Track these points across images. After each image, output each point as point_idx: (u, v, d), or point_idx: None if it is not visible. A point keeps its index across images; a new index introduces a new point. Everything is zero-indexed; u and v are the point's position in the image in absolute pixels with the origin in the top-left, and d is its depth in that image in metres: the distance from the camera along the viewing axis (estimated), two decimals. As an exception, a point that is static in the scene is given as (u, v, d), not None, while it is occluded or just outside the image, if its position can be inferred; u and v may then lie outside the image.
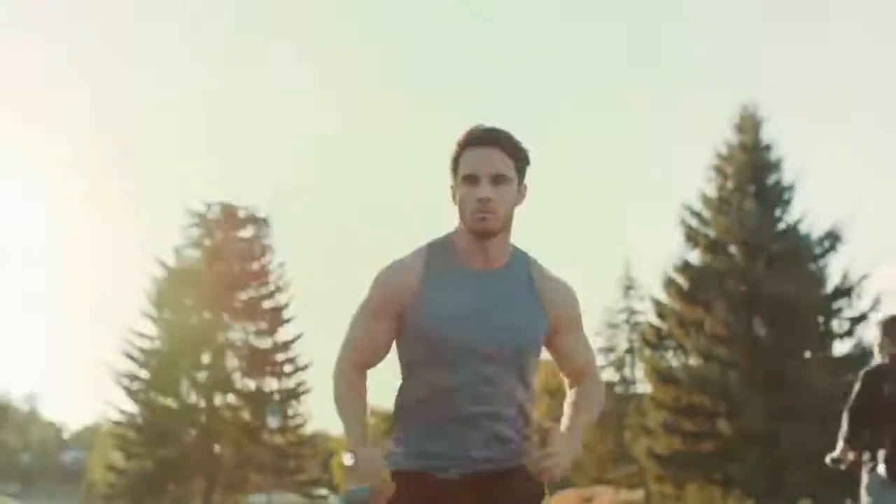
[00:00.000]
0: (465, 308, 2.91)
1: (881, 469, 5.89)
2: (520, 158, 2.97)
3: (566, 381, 3.16)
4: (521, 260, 3.02)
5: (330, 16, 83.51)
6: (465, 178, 2.93)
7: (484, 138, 2.94)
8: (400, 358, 3.04)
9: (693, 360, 29.84)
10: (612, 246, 65.99)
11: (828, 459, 6.30)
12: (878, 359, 6.21)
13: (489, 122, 3.00)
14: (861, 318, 29.07)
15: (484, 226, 2.90)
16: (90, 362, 67.82)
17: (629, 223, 65.67)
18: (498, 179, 2.91)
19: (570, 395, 3.13)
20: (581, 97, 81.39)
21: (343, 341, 3.06)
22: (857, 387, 6.10)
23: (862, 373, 6.18)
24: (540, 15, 79.01)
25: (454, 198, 2.99)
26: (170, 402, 36.65)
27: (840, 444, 6.11)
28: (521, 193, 2.99)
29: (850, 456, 6.04)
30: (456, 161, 2.98)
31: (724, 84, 63.37)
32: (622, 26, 77.13)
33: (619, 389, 39.81)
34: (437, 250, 3.00)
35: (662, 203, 63.96)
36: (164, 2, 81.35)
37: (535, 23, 79.35)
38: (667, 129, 68.83)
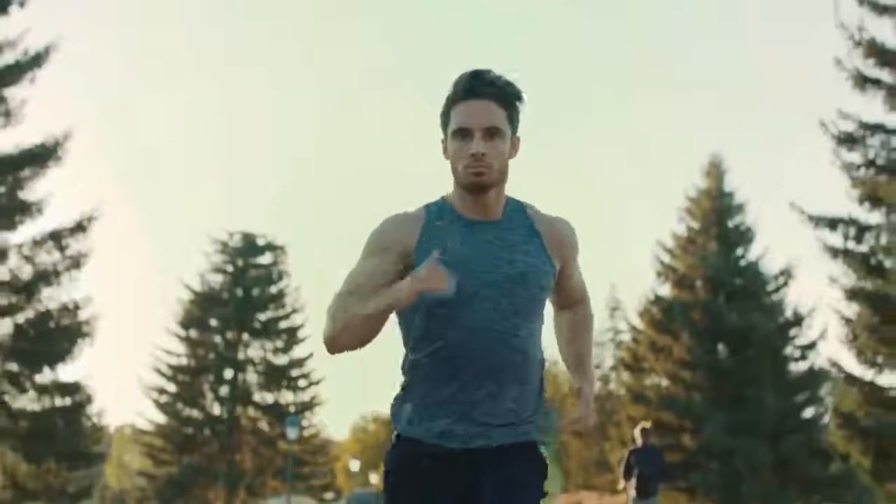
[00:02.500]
0: (468, 256, 2.94)
1: (632, 492, 11.75)
2: (513, 109, 2.98)
3: (554, 304, 3.28)
4: (517, 207, 3.07)
5: (362, 58, 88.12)
6: (456, 133, 2.94)
7: (476, 90, 2.95)
8: (405, 317, 3.02)
9: (662, 382, 35.40)
10: (599, 268, 71.53)
11: (620, 486, 12.23)
12: (638, 444, 12.27)
13: (478, 67, 2.98)
14: (811, 345, 34.54)
15: (479, 181, 2.93)
16: (115, 377, 73.23)
17: (615, 250, 71.65)
18: (491, 132, 2.93)
19: (565, 320, 3.29)
20: (581, 109, 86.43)
21: (337, 292, 2.98)
22: (627, 454, 12.06)
23: (627, 451, 12.32)
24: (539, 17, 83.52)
25: (445, 153, 3.01)
26: (195, 413, 41.92)
27: (622, 478, 12.00)
28: (514, 146, 3.01)
29: (624, 483, 11.98)
30: (446, 114, 2.99)
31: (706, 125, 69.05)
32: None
33: (606, 405, 45.31)
34: (435, 207, 3.04)
35: (646, 231, 69.56)
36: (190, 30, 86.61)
37: (534, 24, 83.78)
38: (659, 150, 74.31)
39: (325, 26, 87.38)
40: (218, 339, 42.29)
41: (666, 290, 36.04)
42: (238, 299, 42.35)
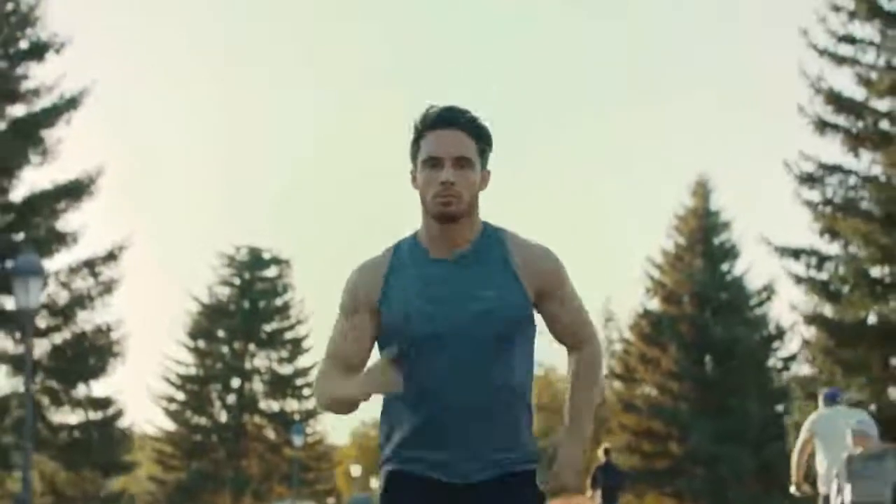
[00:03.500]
0: (431, 299, 2.95)
1: (599, 500, 14.38)
2: (483, 141, 3.00)
3: (564, 346, 3.16)
4: (493, 237, 3.04)
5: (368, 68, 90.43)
6: (426, 162, 2.96)
7: (446, 120, 2.97)
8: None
9: (651, 391, 38.00)
10: (594, 280, 73.85)
11: (588, 494, 14.84)
12: (602, 461, 15.02)
13: (448, 102, 3.02)
14: (793, 357, 37.12)
15: (447, 210, 2.93)
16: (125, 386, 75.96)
17: (612, 262, 74.41)
18: (461, 162, 2.94)
19: (569, 368, 3.15)
20: (576, 113, 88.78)
21: (324, 352, 3.09)
22: (594, 469, 14.68)
23: (595, 466, 14.92)
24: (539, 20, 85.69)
25: (414, 182, 3.04)
26: (203, 420, 44.35)
27: (590, 488, 14.63)
28: (484, 179, 3.03)
29: (591, 492, 14.60)
30: (416, 144, 3.01)
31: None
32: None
33: (600, 413, 47.95)
34: (404, 245, 3.06)
35: (643, 243, 72.17)
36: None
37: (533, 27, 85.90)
38: (657, 159, 76.88)
39: (326, 26, 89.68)
40: (225, 349, 44.75)
41: (655, 305, 38.64)
42: (244, 311, 44.83)
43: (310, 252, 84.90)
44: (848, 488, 8.71)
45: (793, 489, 9.73)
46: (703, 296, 37.34)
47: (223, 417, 44.41)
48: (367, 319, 3.02)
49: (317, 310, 51.11)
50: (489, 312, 2.94)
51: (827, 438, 9.19)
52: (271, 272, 45.97)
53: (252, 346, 45.05)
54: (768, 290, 37.75)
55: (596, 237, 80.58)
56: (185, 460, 43.87)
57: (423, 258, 3.02)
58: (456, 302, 2.95)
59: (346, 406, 2.99)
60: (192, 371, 44.58)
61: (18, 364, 23.28)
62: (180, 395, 44.34)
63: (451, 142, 2.95)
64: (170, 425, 44.25)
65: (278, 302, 45.67)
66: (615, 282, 70.86)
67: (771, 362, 37.84)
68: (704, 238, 38.13)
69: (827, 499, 9.20)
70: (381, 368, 2.87)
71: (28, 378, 16.16)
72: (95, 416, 24.54)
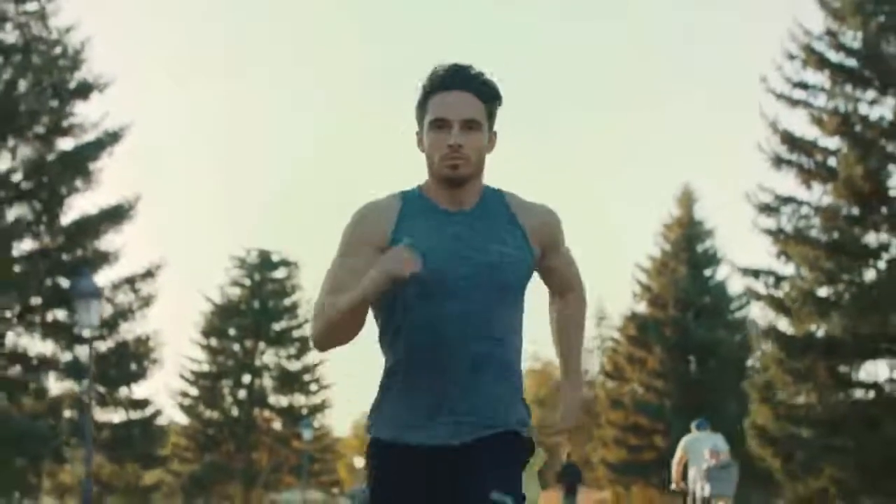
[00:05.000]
0: (443, 247, 3.01)
1: (562, 493, 18.63)
2: (491, 102, 3.06)
3: (549, 293, 3.35)
4: (495, 196, 3.14)
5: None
6: (433, 123, 3.01)
7: (454, 81, 3.03)
8: (380, 311, 3.11)
9: (638, 389, 41.99)
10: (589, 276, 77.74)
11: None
12: (565, 461, 19.70)
13: (456, 60, 3.06)
14: (770, 357, 41.09)
15: (455, 173, 3.00)
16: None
17: (603, 259, 78.41)
18: (469, 125, 2.99)
19: (555, 311, 3.35)
20: (579, 110, 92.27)
21: (320, 291, 3.10)
22: (560, 468, 18.93)
23: (561, 466, 19.28)
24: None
25: (420, 144, 3.09)
26: (215, 415, 47.73)
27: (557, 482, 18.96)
28: (491, 140, 3.09)
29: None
30: (422, 105, 3.07)
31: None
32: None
33: (592, 409, 51.90)
34: (410, 195, 3.12)
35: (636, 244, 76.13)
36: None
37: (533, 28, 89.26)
38: (650, 166, 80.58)
39: (327, 26, 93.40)
40: (236, 347, 48.08)
41: (643, 308, 42.59)
42: (255, 310, 48.24)
43: (317, 254, 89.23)
44: (707, 487, 13.76)
45: (673, 486, 14.61)
46: (686, 300, 41.26)
47: (234, 412, 47.71)
48: (374, 255, 3.03)
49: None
50: (499, 266, 3.03)
51: (695, 454, 14.01)
52: (280, 273, 49.42)
53: (262, 344, 48.31)
54: (748, 294, 41.64)
55: (593, 238, 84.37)
56: (199, 452, 47.19)
57: (432, 209, 3.08)
58: (465, 253, 3.02)
59: (352, 318, 3.00)
60: (206, 368, 47.80)
61: (67, 370, 27.28)
62: (194, 391, 47.74)
63: (460, 103, 3.00)
64: (184, 419, 47.87)
65: (287, 302, 49.05)
66: (610, 283, 74.88)
67: (749, 363, 41.73)
68: (689, 246, 42.04)
69: (694, 494, 14.13)
70: (400, 249, 2.91)
71: (90, 386, 19.78)
72: (136, 415, 28.62)
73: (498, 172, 3.30)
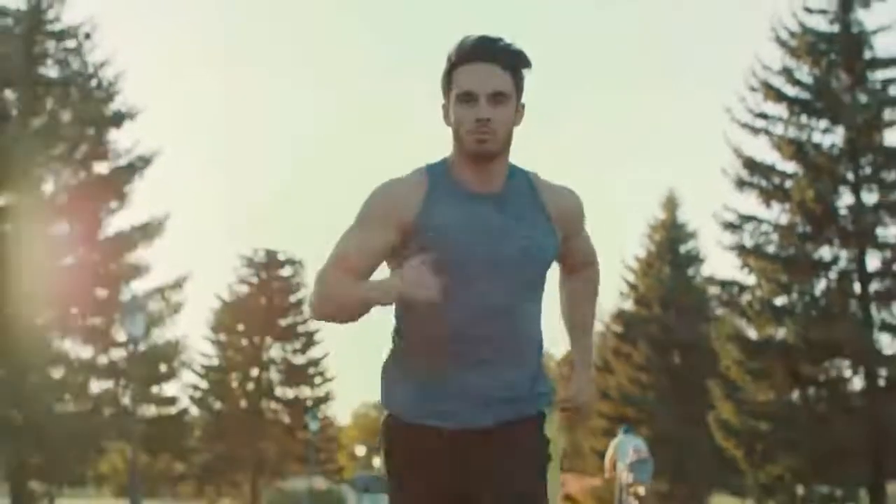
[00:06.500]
0: (471, 230, 3.06)
1: None
2: (519, 75, 3.09)
3: (561, 270, 3.43)
4: (521, 177, 3.18)
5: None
6: (460, 97, 3.04)
7: (482, 53, 3.04)
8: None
9: (624, 382, 46.24)
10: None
11: None
12: None
13: (483, 31, 3.05)
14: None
15: (483, 148, 3.03)
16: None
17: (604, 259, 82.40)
18: (497, 98, 3.03)
19: (568, 286, 3.45)
20: (579, 106, 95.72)
21: (329, 256, 3.11)
22: None
23: None
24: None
25: (446, 118, 3.12)
26: (224, 406, 51.66)
27: None
28: (519, 112, 3.12)
29: None
30: (448, 77, 3.09)
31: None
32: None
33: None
34: (437, 172, 3.14)
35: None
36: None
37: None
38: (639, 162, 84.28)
39: (327, 26, 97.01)
40: (244, 342, 51.72)
41: (629, 305, 46.82)
42: (262, 307, 52.00)
43: (321, 251, 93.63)
44: (631, 476, 18.49)
45: (606, 475, 19.63)
46: (669, 299, 45.42)
47: (243, 403, 51.24)
48: (389, 236, 3.07)
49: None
50: (523, 252, 3.09)
51: (622, 452, 18.87)
52: (286, 272, 53.01)
53: (268, 339, 51.80)
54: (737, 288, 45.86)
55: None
56: (209, 442, 50.34)
57: (458, 190, 3.10)
58: (491, 238, 3.06)
59: (357, 310, 3.07)
60: (215, 362, 51.59)
61: (102, 371, 31.51)
62: (204, 384, 51.16)
63: (487, 76, 3.02)
64: (194, 411, 51.48)
65: (292, 299, 52.49)
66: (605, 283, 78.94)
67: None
68: (672, 247, 46.23)
69: (621, 481, 18.79)
70: (419, 270, 2.96)
71: (134, 392, 23.90)
72: (167, 411, 32.94)
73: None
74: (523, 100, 3.16)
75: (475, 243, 3.08)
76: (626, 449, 18.82)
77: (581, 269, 3.44)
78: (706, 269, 45.83)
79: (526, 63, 3.11)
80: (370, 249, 3.09)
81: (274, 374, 52.36)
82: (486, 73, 3.03)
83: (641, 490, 18.64)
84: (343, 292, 3.06)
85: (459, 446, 3.12)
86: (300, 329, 52.86)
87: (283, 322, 52.69)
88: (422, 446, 3.16)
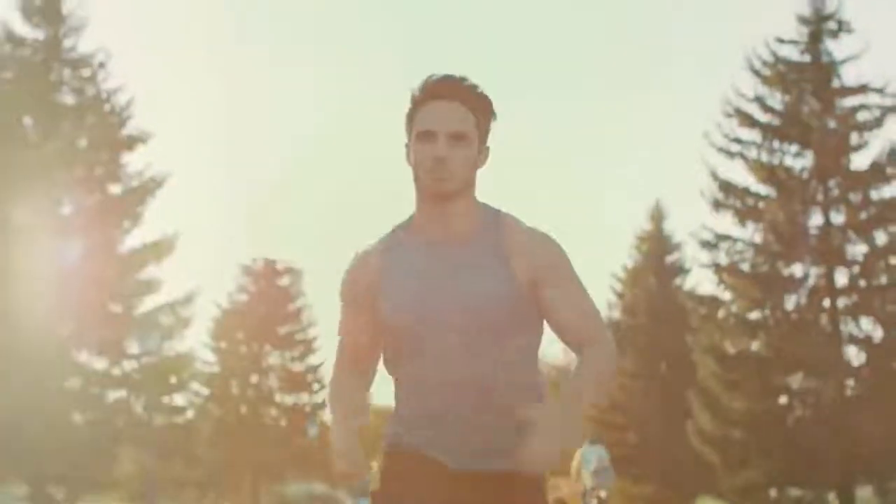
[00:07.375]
0: (421, 285, 3.07)
1: None
2: (483, 114, 3.07)
3: (570, 349, 3.25)
4: (491, 220, 3.12)
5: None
6: (420, 135, 3.03)
7: (443, 91, 3.03)
8: (384, 355, 3.24)
9: (612, 389, 48.73)
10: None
11: None
12: None
13: (447, 71, 3.08)
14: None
15: (440, 186, 3.01)
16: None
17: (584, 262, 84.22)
18: (457, 137, 3.00)
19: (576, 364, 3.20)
20: (570, 98, 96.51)
21: (336, 348, 3.32)
22: None
23: None
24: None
25: (408, 157, 3.09)
26: (224, 413, 53.54)
27: None
28: (483, 154, 3.09)
29: None
30: (411, 116, 3.07)
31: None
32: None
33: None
34: (399, 229, 3.18)
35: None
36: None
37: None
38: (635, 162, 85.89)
39: (328, 25, 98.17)
40: (244, 349, 53.47)
41: (617, 314, 49.32)
42: (261, 315, 53.62)
43: (319, 261, 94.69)
44: (594, 481, 20.73)
45: (572, 482, 21.53)
46: (656, 308, 47.91)
47: (242, 410, 53.11)
48: (366, 314, 3.16)
49: (325, 313, 60.57)
50: (477, 305, 3.03)
51: (586, 460, 20.95)
52: (284, 281, 55.11)
53: (268, 347, 53.60)
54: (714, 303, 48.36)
55: (580, 243, 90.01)
56: (210, 448, 51.89)
57: (413, 244, 3.12)
58: (446, 292, 3.05)
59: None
60: (215, 369, 53.72)
61: (113, 382, 33.93)
62: (204, 391, 53.06)
63: (447, 114, 3.00)
64: (197, 417, 53.66)
65: (290, 307, 54.50)
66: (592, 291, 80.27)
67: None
68: (658, 258, 48.75)
69: (585, 486, 20.88)
70: (350, 442, 3.09)
71: (150, 402, 26.29)
72: (177, 419, 35.42)
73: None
74: (489, 143, 3.15)
75: (420, 301, 3.10)
76: (590, 458, 20.90)
77: (586, 346, 3.18)
78: (689, 282, 48.47)
79: (488, 108, 3.11)
80: (359, 331, 3.22)
81: (273, 381, 54.19)
82: (447, 111, 3.03)
83: (603, 493, 20.89)
84: (333, 413, 3.28)
85: (441, 479, 3.15)
86: (298, 337, 54.51)
87: (282, 330, 54.34)
88: (409, 470, 3.19)
